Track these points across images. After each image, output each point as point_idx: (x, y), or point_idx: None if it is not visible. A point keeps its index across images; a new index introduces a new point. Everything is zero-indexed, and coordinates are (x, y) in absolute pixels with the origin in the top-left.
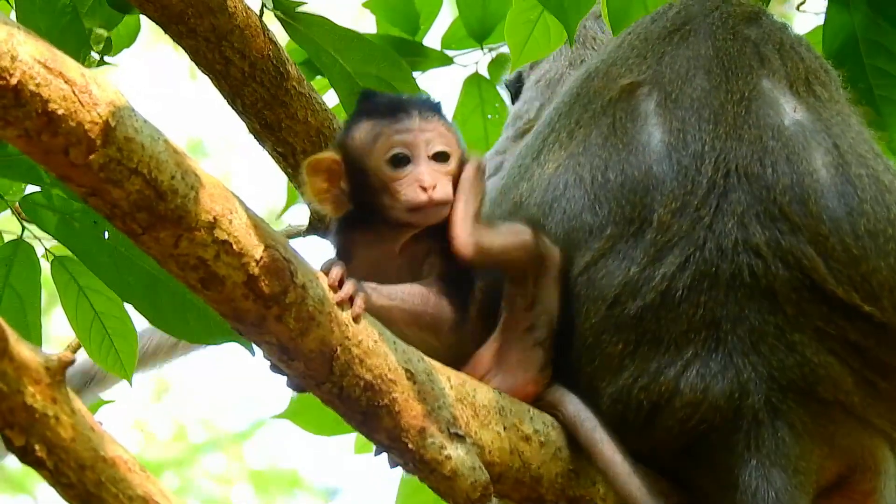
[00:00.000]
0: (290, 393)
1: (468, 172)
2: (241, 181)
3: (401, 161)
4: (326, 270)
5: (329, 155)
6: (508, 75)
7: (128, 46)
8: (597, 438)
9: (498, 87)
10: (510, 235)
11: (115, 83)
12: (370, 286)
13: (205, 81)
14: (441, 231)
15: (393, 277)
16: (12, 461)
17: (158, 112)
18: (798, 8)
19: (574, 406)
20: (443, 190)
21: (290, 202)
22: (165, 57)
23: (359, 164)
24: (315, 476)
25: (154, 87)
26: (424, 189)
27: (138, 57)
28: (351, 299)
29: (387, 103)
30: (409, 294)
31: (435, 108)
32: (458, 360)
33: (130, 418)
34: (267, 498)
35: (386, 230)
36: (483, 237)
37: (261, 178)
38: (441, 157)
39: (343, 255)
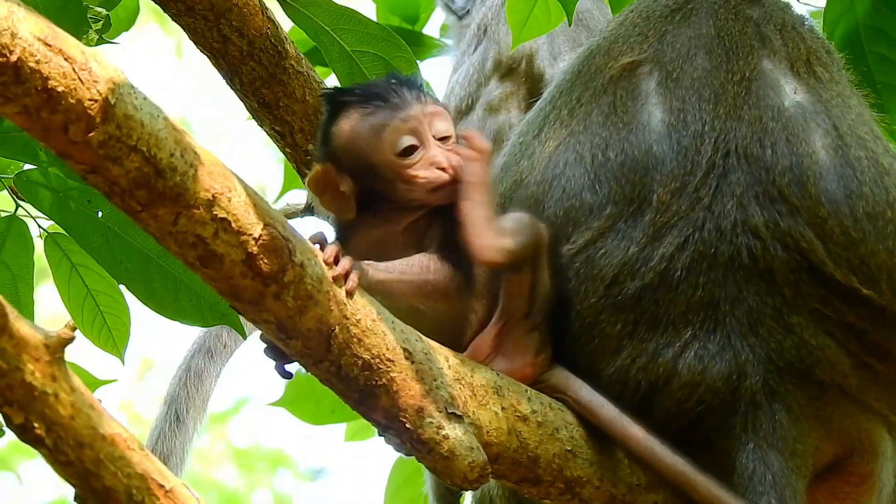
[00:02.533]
0: (276, 374)
1: (474, 167)
2: (228, 161)
3: (410, 149)
4: (317, 241)
5: (316, 168)
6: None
7: (126, 29)
8: (625, 425)
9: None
10: (523, 231)
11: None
12: (367, 263)
13: (192, 61)
14: (440, 205)
15: (396, 255)
16: None
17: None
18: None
19: (587, 391)
20: (459, 166)
21: (287, 187)
22: (154, 35)
23: (362, 160)
24: (300, 455)
25: (142, 65)
26: (443, 169)
27: (126, 34)
28: (346, 275)
29: (375, 91)
30: (408, 266)
31: (419, 86)
32: (471, 324)
33: (116, 398)
34: (251, 477)
35: (391, 213)
36: (504, 241)
37: (248, 157)
38: (445, 138)
39: (344, 234)
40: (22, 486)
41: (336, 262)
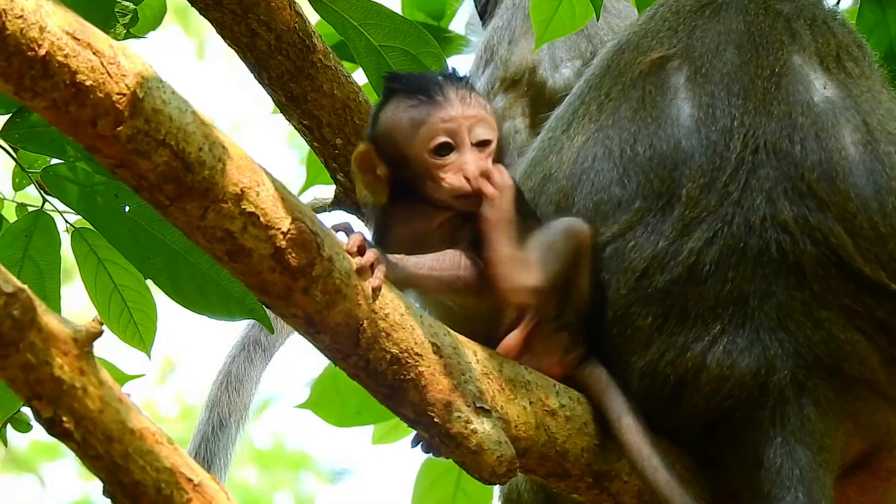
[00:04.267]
0: (297, 375)
1: (495, 204)
2: (256, 151)
3: (444, 149)
4: (342, 230)
5: (360, 147)
6: None
7: (153, 29)
8: (623, 426)
9: None
10: (553, 258)
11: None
12: (395, 257)
13: (213, 62)
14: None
15: (432, 250)
16: (18, 441)
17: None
18: None
19: (602, 387)
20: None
21: (310, 182)
22: (175, 37)
23: (398, 150)
24: (322, 457)
25: (163, 66)
26: (468, 179)
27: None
28: (371, 267)
29: (422, 85)
30: (439, 261)
31: (470, 86)
32: (504, 321)
33: (138, 398)
34: (273, 478)
35: (425, 208)
36: (531, 278)
37: (269, 158)
38: (484, 143)
39: (381, 229)
40: (44, 488)
41: (361, 252)
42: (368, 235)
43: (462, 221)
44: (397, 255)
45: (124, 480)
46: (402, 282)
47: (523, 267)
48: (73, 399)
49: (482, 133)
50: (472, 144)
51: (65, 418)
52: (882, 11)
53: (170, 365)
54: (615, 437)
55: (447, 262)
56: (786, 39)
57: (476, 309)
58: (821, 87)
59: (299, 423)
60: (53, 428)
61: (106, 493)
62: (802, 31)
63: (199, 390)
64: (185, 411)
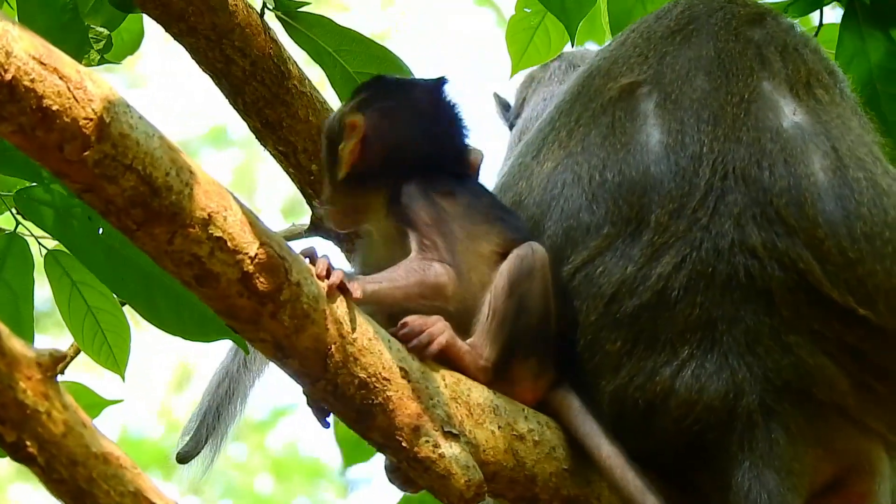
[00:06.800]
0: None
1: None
2: (267, 166)
3: None
4: (307, 255)
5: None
6: (504, 111)
7: (131, 53)
8: (604, 453)
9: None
10: (499, 319)
11: (112, 80)
12: (358, 278)
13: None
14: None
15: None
16: None
17: (182, 101)
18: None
19: (575, 413)
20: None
21: None
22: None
23: None
24: (338, 466)
25: (174, 74)
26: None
27: (159, 42)
28: (342, 287)
29: None
30: (396, 273)
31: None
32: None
33: (154, 406)
34: (288, 487)
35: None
36: (483, 358)
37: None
38: None
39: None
40: None
41: (328, 275)
42: (335, 261)
43: (399, 232)
44: (359, 277)
45: None
46: (366, 298)
47: (473, 346)
48: (37, 423)
49: None
50: None
51: (28, 443)
52: (861, 41)
53: (186, 372)
54: (595, 463)
55: (402, 271)
56: (756, 66)
57: (444, 310)
58: (790, 114)
59: (314, 432)
60: (17, 453)
61: None
62: (773, 57)
63: None
64: None
